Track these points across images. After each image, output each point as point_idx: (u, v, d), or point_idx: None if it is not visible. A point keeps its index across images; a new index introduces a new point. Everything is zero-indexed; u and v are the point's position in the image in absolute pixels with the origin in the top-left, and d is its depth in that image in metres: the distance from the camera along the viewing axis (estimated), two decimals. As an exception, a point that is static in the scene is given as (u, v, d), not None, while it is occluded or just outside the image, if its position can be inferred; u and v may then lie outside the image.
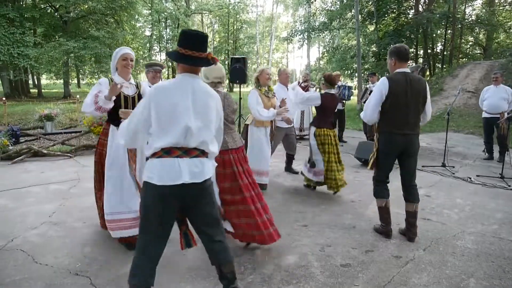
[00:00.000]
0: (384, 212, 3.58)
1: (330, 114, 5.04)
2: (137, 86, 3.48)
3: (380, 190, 3.59)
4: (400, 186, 3.62)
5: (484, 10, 21.80)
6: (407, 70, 3.43)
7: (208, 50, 2.31)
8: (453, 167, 6.54)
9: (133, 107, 3.15)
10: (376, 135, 3.57)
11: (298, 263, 3.06)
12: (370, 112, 3.46)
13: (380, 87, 3.38)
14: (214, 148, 2.34)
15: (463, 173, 6.19)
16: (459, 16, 19.58)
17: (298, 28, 23.67)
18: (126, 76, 3.39)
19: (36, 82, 28.91)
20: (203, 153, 2.26)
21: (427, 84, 3.51)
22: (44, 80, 29.83)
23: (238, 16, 39.37)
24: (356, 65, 17.68)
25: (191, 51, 2.21)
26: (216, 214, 2.35)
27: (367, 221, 4.03)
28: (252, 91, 4.72)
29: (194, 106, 2.21)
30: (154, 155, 2.18)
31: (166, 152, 2.16)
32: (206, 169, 2.24)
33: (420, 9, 19.67)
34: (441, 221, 4.08)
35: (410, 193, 3.55)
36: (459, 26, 19.97)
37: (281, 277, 2.85)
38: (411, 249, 3.35)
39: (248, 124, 4.89)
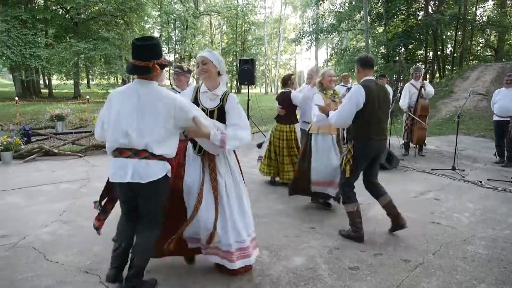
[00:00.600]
0: (357, 216, 3.60)
1: (287, 111, 5.41)
2: (223, 99, 2.78)
3: (352, 195, 3.65)
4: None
5: (495, 11, 21.57)
6: (373, 78, 3.62)
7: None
8: (463, 170, 6.47)
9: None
10: (350, 142, 3.60)
11: (306, 265, 3.06)
12: (346, 117, 3.51)
13: (358, 94, 3.44)
14: (162, 150, 2.42)
15: (473, 176, 6.12)
16: (469, 17, 19.41)
17: (306, 29, 23.65)
18: (207, 84, 2.82)
19: (47, 83, 29.26)
20: (152, 155, 2.39)
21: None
22: (54, 81, 30.16)
23: (246, 17, 39.53)
24: (365, 67, 17.57)
25: (134, 60, 2.43)
26: (155, 213, 2.57)
27: (375, 224, 4.01)
28: (316, 95, 4.31)
29: (138, 110, 2.38)
30: (112, 154, 2.46)
31: (119, 152, 2.41)
32: (152, 171, 2.39)
33: (430, 10, 19.52)
34: (451, 225, 4.04)
35: (379, 188, 3.73)
36: (470, 27, 19.77)
37: (288, 279, 2.85)
38: (420, 253, 3.32)
39: (312, 133, 4.44)
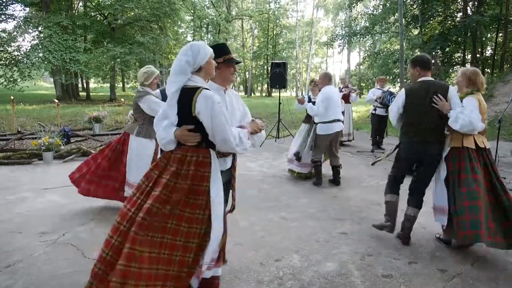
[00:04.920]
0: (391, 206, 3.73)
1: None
2: None
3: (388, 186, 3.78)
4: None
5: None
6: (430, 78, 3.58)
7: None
8: (504, 178, 6.14)
9: None
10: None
11: (338, 271, 3.01)
12: (392, 120, 3.79)
13: (398, 98, 3.64)
14: None
15: (515, 185, 5.82)
16: (512, 18, 18.51)
17: (338, 32, 23.39)
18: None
19: (85, 86, 30.50)
20: None
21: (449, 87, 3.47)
22: (92, 84, 31.43)
23: (278, 21, 39.59)
24: (398, 71, 17.17)
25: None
26: None
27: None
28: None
29: None
30: None
31: None
32: None
33: (469, 11, 18.80)
34: (491, 235, 3.85)
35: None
36: (512, 29, 18.88)
37: (320, 284, 2.82)
38: (458, 263, 3.19)
39: None
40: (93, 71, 23.60)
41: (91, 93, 28.59)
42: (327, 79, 5.74)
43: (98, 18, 25.68)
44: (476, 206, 3.11)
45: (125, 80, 38.34)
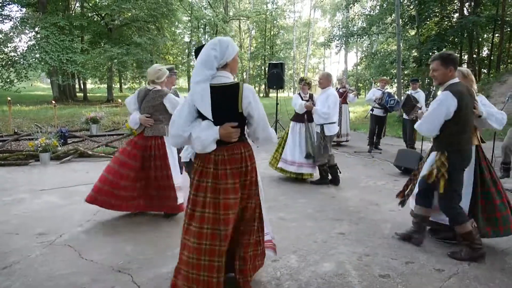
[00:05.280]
0: (476, 233, 3.24)
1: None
2: None
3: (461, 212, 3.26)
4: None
5: (536, 13, 20.58)
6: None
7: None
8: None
9: None
10: (443, 153, 3.21)
11: (335, 271, 3.02)
12: (432, 127, 3.22)
13: (448, 102, 3.09)
14: None
15: (511, 184, 5.85)
16: (508, 19, 18.58)
17: (335, 33, 23.43)
18: None
19: (82, 87, 30.41)
20: None
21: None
22: (89, 85, 31.33)
23: (275, 21, 39.59)
24: (395, 71, 17.22)
25: None
26: None
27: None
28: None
29: None
30: None
31: None
32: None
33: (465, 12, 18.87)
34: (487, 234, 3.87)
35: None
36: (509, 29, 18.95)
37: (317, 284, 2.82)
38: (455, 263, 3.20)
39: None
40: (90, 71, 23.53)
41: (88, 94, 28.49)
42: (329, 79, 5.78)
43: (95, 19, 25.61)
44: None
45: (123, 81, 38.24)
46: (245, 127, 2.51)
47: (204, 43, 2.91)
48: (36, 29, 20.52)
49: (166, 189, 4.01)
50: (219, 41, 2.38)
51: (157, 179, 4.01)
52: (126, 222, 4.06)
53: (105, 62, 22.37)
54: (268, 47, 40.18)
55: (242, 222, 2.54)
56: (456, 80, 3.23)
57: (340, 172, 5.91)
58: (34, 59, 19.95)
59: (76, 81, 29.35)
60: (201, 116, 2.38)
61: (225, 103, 2.32)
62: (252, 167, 2.48)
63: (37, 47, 19.88)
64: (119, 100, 13.86)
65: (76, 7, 26.67)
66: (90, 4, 25.50)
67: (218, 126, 2.32)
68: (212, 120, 2.34)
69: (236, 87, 2.32)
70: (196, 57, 2.57)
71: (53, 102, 12.08)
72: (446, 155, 3.19)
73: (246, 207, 2.51)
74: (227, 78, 2.37)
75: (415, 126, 3.46)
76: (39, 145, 6.90)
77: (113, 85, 29.11)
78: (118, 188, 3.92)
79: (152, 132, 4.04)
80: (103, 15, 24.34)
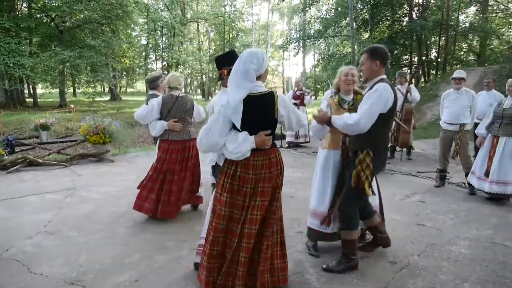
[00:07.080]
0: (357, 243, 3.18)
1: None
2: None
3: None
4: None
5: (477, 17, 22.07)
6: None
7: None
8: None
9: None
10: (367, 152, 2.87)
11: (293, 270, 3.07)
12: (373, 121, 2.79)
13: (387, 94, 2.81)
14: None
15: (458, 178, 6.23)
16: (452, 23, 19.81)
17: (293, 36, 23.86)
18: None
19: (32, 92, 28.87)
20: None
21: None
22: (39, 90, 29.78)
23: (233, 24, 39.70)
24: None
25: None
26: None
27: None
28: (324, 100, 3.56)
29: None
30: None
31: None
32: None
33: (414, 16, 19.90)
34: (436, 226, 4.09)
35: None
36: (453, 33, 20.19)
37: (276, 284, 2.85)
38: (406, 255, 3.36)
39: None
40: (40, 76, 22.34)
41: (38, 99, 27.09)
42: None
43: (44, 20, 24.44)
44: None
45: (76, 85, 36.70)
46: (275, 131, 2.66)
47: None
48: (-21, 31, 19.27)
49: (197, 184, 4.44)
50: (256, 54, 2.50)
51: (193, 176, 4.38)
52: (80, 232, 3.90)
53: (56, 65, 21.38)
54: (227, 49, 40.17)
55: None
56: (384, 76, 2.96)
57: None
58: (-23, 63, 18.70)
59: (25, 86, 27.80)
60: (235, 127, 2.49)
61: (262, 111, 2.49)
62: (283, 170, 2.65)
63: (-20, 50, 18.66)
64: (72, 106, 13.32)
65: (22, 7, 25.29)
66: (39, 5, 24.28)
67: (253, 136, 2.45)
68: (247, 131, 2.47)
69: (272, 95, 2.51)
70: (218, 66, 2.94)
71: (-1, 108, 11.39)
72: (372, 155, 2.87)
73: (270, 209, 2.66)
74: (261, 87, 2.53)
75: (343, 127, 2.85)
76: (-17, 155, 6.47)
77: (66, 90, 27.87)
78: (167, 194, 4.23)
79: (184, 135, 4.31)
80: (53, 16, 23.28)
